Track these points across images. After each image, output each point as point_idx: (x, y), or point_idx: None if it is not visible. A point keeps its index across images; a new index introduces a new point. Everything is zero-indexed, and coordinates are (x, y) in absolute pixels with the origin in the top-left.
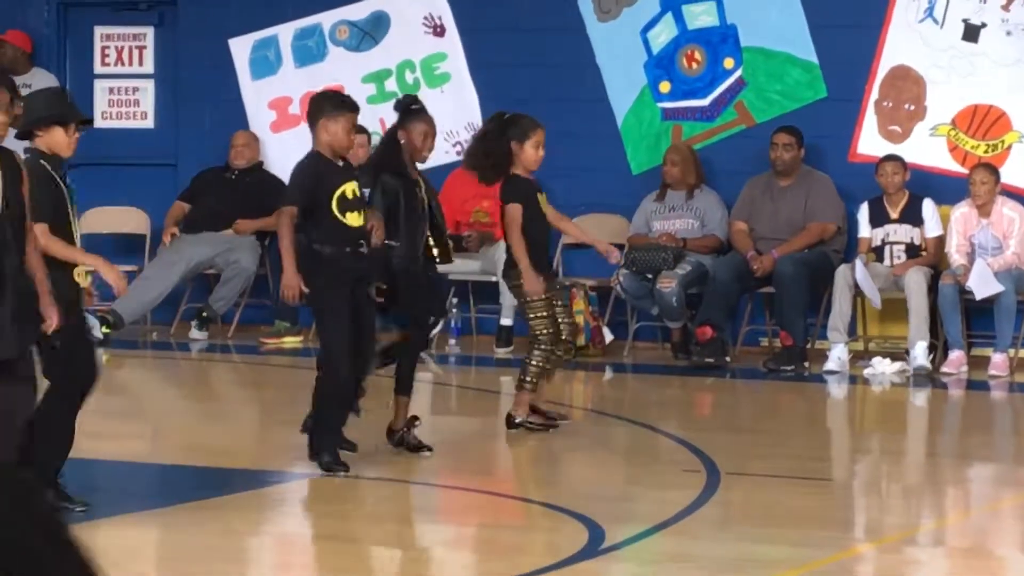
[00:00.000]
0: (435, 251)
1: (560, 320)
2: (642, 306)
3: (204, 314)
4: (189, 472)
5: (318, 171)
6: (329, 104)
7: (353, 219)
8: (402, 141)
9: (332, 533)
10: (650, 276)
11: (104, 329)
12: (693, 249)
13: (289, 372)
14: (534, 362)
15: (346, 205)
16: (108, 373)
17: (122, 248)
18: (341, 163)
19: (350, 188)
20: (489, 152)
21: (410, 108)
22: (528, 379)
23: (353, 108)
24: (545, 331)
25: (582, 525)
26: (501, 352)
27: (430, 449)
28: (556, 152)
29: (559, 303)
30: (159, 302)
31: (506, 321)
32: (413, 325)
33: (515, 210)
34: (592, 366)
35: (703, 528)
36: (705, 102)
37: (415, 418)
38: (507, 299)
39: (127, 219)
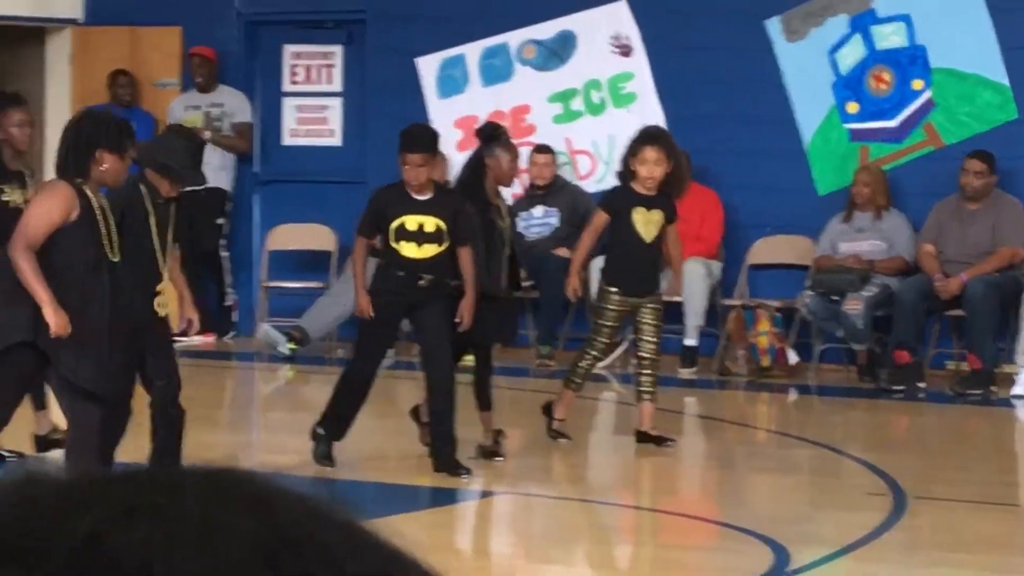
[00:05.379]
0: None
1: (641, 338)
2: (827, 328)
3: None
4: (374, 488)
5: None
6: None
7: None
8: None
9: (517, 552)
10: (836, 298)
11: (290, 345)
12: (879, 271)
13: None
14: (582, 364)
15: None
16: (294, 389)
17: (308, 264)
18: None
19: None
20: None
21: (498, 135)
22: (575, 380)
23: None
24: (601, 338)
25: (767, 547)
26: (685, 373)
27: (502, 456)
28: (742, 171)
29: (648, 320)
30: (345, 319)
31: (690, 341)
32: (476, 346)
33: (594, 216)
34: (776, 387)
35: (889, 552)
36: (893, 123)
37: (500, 432)
38: (691, 319)
39: (314, 236)
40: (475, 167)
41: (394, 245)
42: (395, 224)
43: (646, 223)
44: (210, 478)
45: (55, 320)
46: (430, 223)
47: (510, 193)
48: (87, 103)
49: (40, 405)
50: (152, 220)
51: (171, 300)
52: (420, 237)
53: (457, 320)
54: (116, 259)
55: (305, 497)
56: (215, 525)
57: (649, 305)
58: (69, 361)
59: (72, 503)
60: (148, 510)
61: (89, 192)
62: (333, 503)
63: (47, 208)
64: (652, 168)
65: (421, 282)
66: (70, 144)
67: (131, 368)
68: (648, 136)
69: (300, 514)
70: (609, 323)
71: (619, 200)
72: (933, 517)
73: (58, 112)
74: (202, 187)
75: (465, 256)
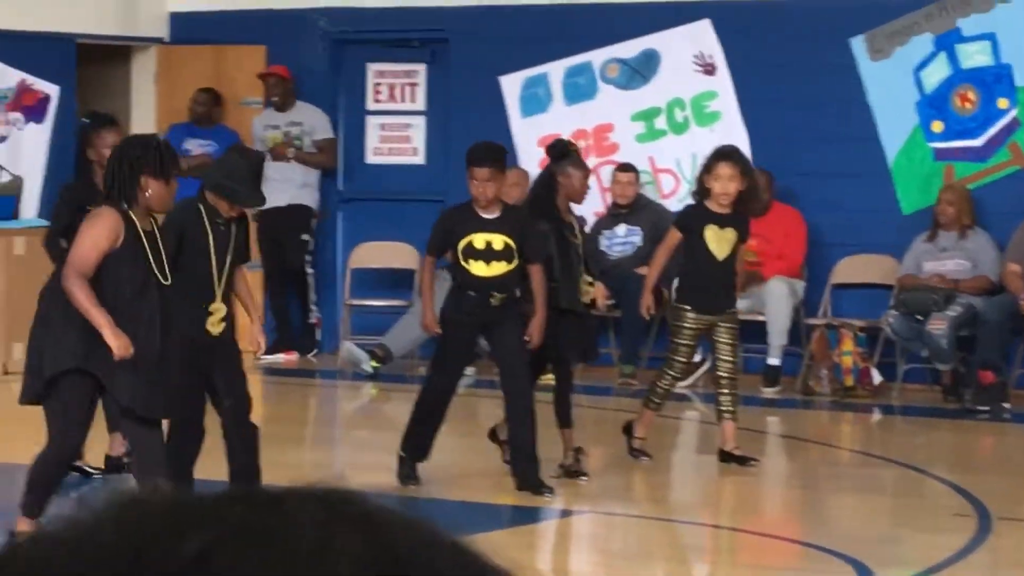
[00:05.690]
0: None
1: (718, 357)
2: (912, 347)
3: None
4: (456, 506)
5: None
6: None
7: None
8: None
9: (598, 571)
10: (920, 317)
11: (373, 363)
12: (964, 290)
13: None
14: (661, 384)
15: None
16: (377, 407)
17: (391, 282)
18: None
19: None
20: None
21: (569, 152)
22: (654, 400)
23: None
24: (679, 358)
25: (850, 567)
26: (768, 392)
27: (586, 475)
28: (825, 190)
29: (725, 339)
30: (427, 337)
31: (773, 360)
32: (555, 363)
33: (668, 234)
34: (860, 407)
35: (974, 573)
36: (978, 142)
37: (580, 450)
38: (774, 338)
39: (397, 254)
40: (547, 184)
41: (463, 264)
42: (463, 243)
43: (719, 241)
44: (318, 498)
45: (116, 343)
46: (498, 241)
47: (592, 211)
48: (172, 121)
49: (115, 427)
50: (210, 240)
51: (220, 317)
52: (488, 255)
53: (526, 339)
54: (167, 282)
55: (411, 516)
56: (326, 545)
57: (724, 324)
58: (124, 385)
59: (180, 523)
60: (258, 531)
61: (135, 217)
62: (437, 523)
63: (94, 235)
64: (726, 184)
65: (493, 300)
66: (115, 171)
67: (195, 389)
68: (722, 153)
69: (408, 534)
70: (685, 342)
71: (692, 218)
72: (1018, 538)
73: (143, 130)
74: (262, 206)
75: (536, 274)
